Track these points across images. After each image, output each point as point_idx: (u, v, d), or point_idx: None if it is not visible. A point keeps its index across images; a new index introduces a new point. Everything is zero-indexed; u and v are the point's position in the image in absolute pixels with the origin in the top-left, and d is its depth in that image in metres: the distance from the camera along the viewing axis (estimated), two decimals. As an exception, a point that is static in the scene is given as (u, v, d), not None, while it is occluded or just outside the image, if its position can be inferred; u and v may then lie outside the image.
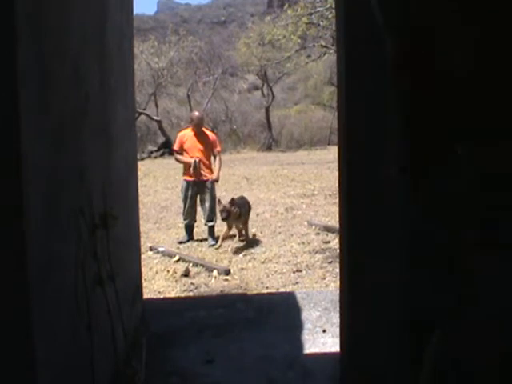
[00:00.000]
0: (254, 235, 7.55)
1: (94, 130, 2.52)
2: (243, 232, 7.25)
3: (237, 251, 6.80)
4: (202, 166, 7.30)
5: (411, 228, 0.77)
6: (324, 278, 5.54)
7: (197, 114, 7.74)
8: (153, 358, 3.13)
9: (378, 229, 2.40)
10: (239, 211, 7.06)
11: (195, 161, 7.20)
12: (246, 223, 7.27)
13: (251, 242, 7.18)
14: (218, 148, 7.58)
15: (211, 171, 7.45)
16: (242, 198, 7.60)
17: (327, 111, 26.79)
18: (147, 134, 24.55)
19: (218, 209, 7.17)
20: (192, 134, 7.45)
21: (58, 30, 1.97)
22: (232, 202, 7.03)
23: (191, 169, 7.21)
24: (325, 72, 26.35)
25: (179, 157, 7.51)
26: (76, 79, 2.20)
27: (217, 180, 7.47)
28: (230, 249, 6.97)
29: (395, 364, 2.26)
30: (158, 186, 13.13)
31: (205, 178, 7.32)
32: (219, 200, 7.23)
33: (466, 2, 0.74)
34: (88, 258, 2.13)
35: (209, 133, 7.72)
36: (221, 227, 7.83)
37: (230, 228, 7.28)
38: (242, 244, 7.10)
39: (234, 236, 7.39)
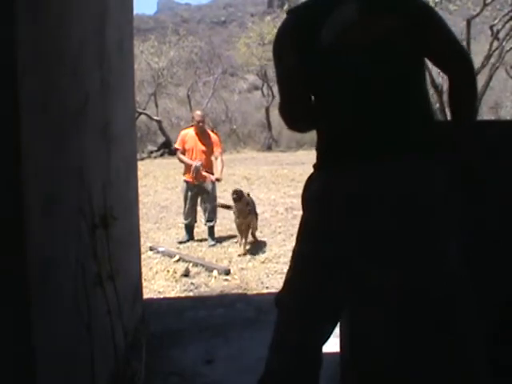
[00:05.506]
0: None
1: (94, 129, 2.52)
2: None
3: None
4: (202, 167, 7.26)
5: None
6: (324, 278, 5.53)
7: (198, 113, 7.63)
8: (153, 358, 3.13)
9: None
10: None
11: (197, 165, 7.16)
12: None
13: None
14: (220, 149, 7.53)
15: (211, 172, 7.42)
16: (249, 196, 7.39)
17: (327, 111, 26.71)
18: (147, 133, 24.55)
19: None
20: (194, 133, 7.42)
21: (58, 31, 1.96)
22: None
23: (192, 172, 7.18)
24: (325, 72, 26.32)
25: (182, 157, 7.43)
26: (76, 79, 2.20)
27: (219, 180, 7.42)
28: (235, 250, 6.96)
29: (395, 364, 2.26)
30: (158, 186, 13.12)
31: (207, 179, 7.29)
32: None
33: None
34: (88, 258, 2.13)
35: (211, 133, 7.67)
36: (220, 227, 7.83)
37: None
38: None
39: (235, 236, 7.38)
